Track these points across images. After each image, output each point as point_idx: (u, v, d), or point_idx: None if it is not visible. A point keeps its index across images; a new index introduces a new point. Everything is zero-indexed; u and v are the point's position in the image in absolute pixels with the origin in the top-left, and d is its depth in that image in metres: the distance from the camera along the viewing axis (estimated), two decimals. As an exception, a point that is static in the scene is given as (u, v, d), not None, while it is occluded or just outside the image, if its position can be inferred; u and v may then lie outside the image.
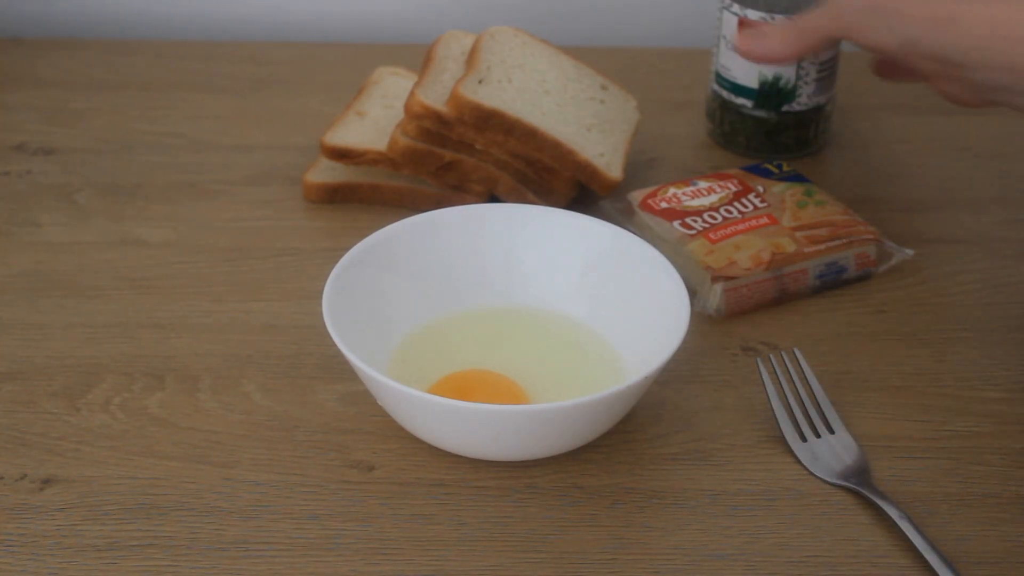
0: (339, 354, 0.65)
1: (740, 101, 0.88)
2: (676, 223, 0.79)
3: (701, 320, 0.76)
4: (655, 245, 0.72)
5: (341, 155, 0.86)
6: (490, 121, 0.81)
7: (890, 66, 0.80)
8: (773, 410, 0.69)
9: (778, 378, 0.70)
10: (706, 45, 0.94)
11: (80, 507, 0.64)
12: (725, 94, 0.89)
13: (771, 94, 0.87)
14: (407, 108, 0.82)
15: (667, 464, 0.67)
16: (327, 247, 0.80)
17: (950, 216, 0.86)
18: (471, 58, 0.84)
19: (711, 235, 0.78)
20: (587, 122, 0.84)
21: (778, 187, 0.82)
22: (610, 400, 0.63)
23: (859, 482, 0.65)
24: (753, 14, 0.84)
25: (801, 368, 0.71)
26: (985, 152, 0.93)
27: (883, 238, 0.79)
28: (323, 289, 0.68)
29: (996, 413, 0.70)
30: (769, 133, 0.89)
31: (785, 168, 0.84)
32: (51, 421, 0.69)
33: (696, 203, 0.80)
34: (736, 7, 0.85)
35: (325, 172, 0.87)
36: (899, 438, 0.69)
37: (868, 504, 0.64)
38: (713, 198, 0.80)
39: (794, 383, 0.70)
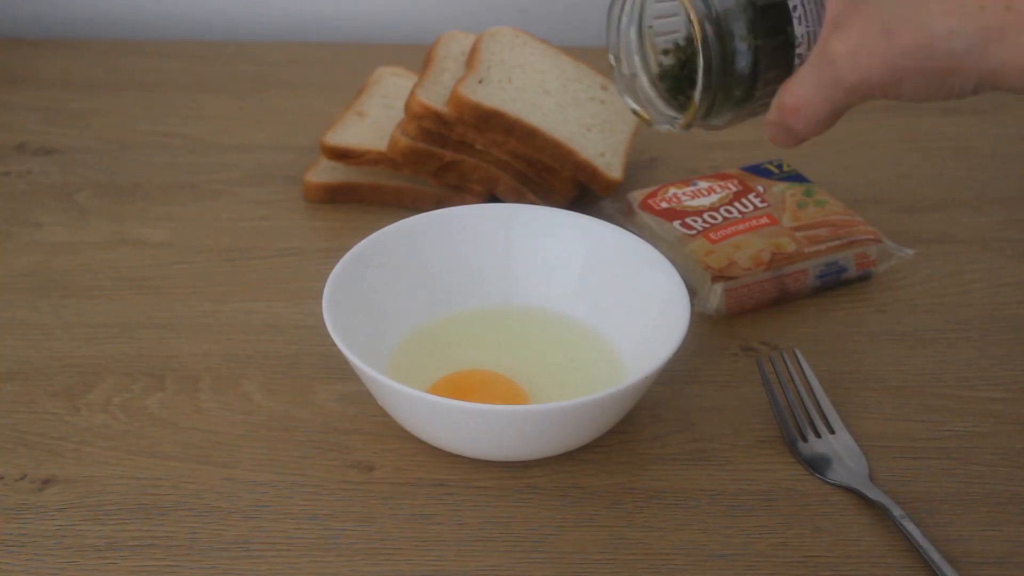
0: (339, 354, 0.65)
1: None
2: (676, 223, 0.79)
3: (701, 320, 0.76)
4: (655, 245, 0.72)
5: (341, 155, 0.86)
6: (490, 121, 0.81)
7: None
8: (773, 410, 0.69)
9: (778, 378, 0.70)
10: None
11: (80, 507, 0.64)
12: None
13: None
14: (407, 108, 0.82)
15: (667, 464, 0.67)
16: (327, 247, 0.80)
17: (950, 216, 0.86)
18: (471, 58, 0.84)
19: (711, 235, 0.77)
20: (587, 122, 0.84)
21: (778, 187, 0.82)
22: (610, 400, 0.63)
23: (859, 482, 0.65)
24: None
25: (801, 368, 0.71)
26: (985, 152, 0.93)
27: (883, 238, 0.79)
28: (323, 289, 0.68)
29: (996, 413, 0.70)
30: None
31: (785, 168, 0.84)
32: (51, 421, 0.69)
33: (696, 203, 0.80)
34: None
35: (325, 172, 0.87)
36: (899, 438, 0.69)
37: (868, 504, 0.64)
38: (713, 198, 0.80)
39: (794, 383, 0.70)
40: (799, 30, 0.63)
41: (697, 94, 0.63)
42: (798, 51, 0.63)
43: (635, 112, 0.68)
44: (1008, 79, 0.57)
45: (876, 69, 0.58)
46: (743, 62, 0.62)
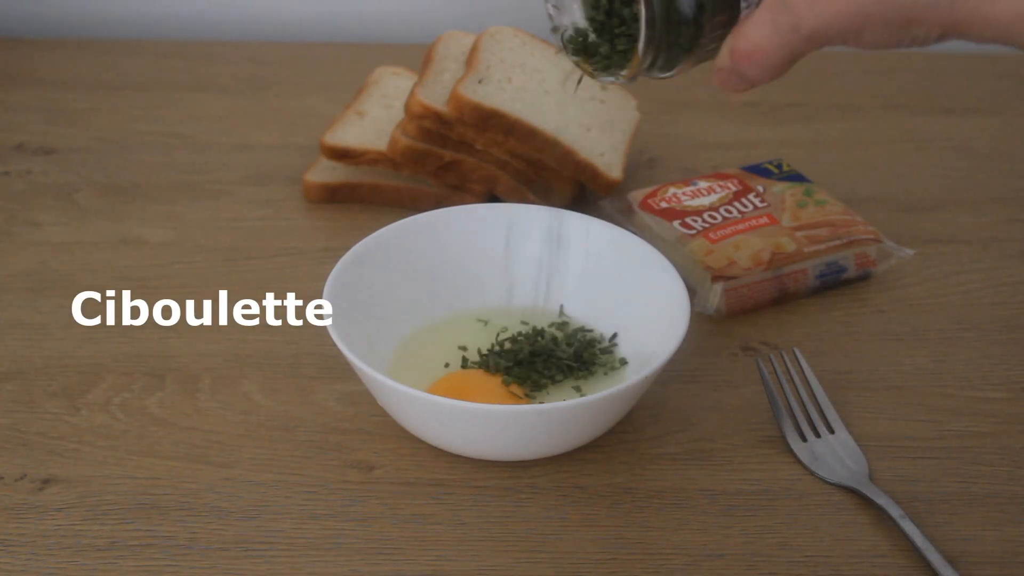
0: (339, 354, 0.65)
1: None
2: (676, 223, 0.79)
3: (701, 320, 0.76)
4: (655, 245, 0.72)
5: (341, 155, 0.86)
6: (490, 121, 0.81)
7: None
8: (773, 410, 0.69)
9: (778, 378, 0.70)
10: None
11: (80, 507, 0.64)
12: None
13: None
14: (407, 108, 0.82)
15: (667, 464, 0.67)
16: (327, 247, 0.80)
17: (950, 216, 0.86)
18: (471, 58, 0.84)
19: (711, 235, 0.77)
20: (587, 122, 0.84)
21: (778, 187, 0.82)
22: (610, 400, 0.63)
23: (859, 482, 0.65)
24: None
25: (801, 368, 0.71)
26: (985, 152, 0.93)
27: (883, 238, 0.79)
28: (323, 289, 0.68)
29: (996, 413, 0.70)
30: None
31: (785, 168, 0.84)
32: (51, 421, 0.69)
33: (696, 203, 0.80)
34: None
35: (325, 172, 0.87)
36: (899, 438, 0.69)
37: (868, 504, 0.64)
38: (713, 198, 0.80)
39: (794, 383, 0.70)
40: None
41: (640, 46, 0.60)
42: None
43: (576, 64, 0.65)
44: (975, 29, 0.55)
45: (837, 17, 0.56)
46: (687, 9, 0.60)
